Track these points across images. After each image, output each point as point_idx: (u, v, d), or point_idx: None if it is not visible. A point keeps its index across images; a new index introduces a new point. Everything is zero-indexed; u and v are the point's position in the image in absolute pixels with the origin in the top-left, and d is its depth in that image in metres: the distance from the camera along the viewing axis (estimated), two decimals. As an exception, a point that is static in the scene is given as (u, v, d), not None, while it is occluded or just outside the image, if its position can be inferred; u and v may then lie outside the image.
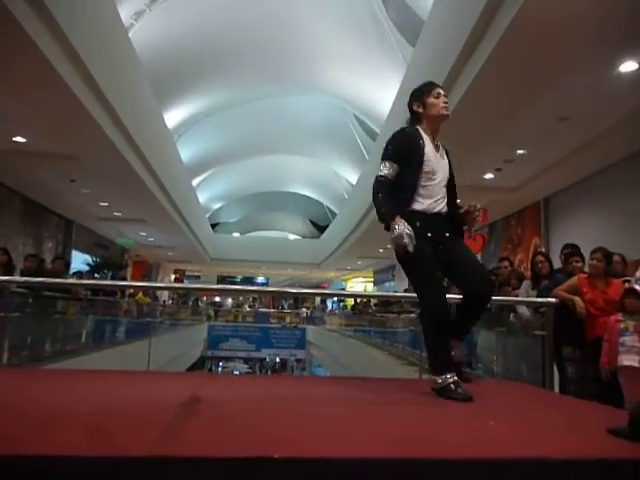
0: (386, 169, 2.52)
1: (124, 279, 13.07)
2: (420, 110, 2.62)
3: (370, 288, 27.97)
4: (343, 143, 22.59)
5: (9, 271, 5.97)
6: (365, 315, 16.11)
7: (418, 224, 2.44)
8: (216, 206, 33.83)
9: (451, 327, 2.50)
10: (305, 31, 15.16)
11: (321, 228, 31.84)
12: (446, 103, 2.61)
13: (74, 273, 9.91)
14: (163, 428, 1.43)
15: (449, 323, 2.47)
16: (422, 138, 2.56)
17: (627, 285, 4.03)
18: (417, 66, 9.43)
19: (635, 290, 3.81)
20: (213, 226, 31.01)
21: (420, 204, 2.50)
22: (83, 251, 15.75)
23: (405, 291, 12.60)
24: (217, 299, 33.72)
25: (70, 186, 11.31)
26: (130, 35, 10.90)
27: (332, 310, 29.07)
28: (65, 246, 14.97)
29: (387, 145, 2.60)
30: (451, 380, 2.30)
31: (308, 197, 33.18)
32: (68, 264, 9.55)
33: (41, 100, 6.94)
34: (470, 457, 1.29)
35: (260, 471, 1.18)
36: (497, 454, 1.34)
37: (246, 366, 27.67)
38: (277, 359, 27.97)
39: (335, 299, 29.65)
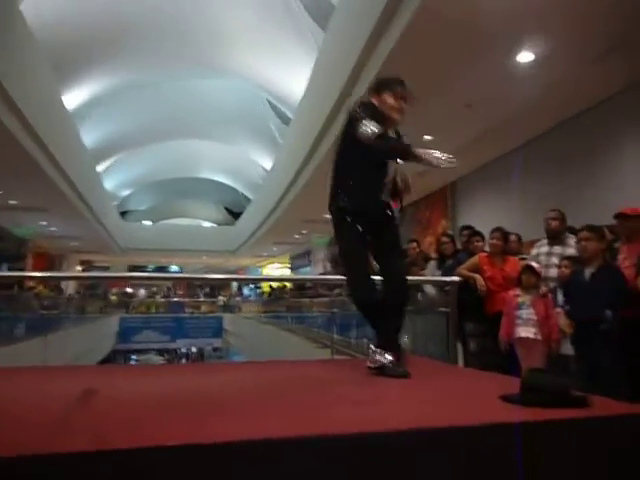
0: (373, 125, 2.35)
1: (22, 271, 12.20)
2: (373, 100, 2.54)
3: (287, 274, 28.04)
4: (257, 128, 22.32)
5: None
6: (281, 301, 16.15)
7: (360, 209, 2.48)
8: (125, 193, 32.33)
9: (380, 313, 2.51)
10: (217, 13, 14.71)
11: (236, 215, 31.40)
12: (402, 108, 2.51)
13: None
14: (53, 424, 1.32)
15: (375, 303, 2.47)
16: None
17: (524, 262, 4.28)
18: (328, 51, 9.45)
19: (531, 267, 4.05)
20: (122, 214, 29.67)
21: (365, 188, 2.49)
22: None
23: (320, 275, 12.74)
24: (129, 290, 32.41)
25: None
26: (22, 7, 10.04)
27: (249, 297, 28.90)
28: (-47, 237, 13.72)
29: (361, 110, 2.44)
30: (386, 360, 2.33)
31: (222, 183, 32.53)
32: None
33: None
34: (365, 431, 1.30)
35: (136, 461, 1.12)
36: (395, 426, 1.35)
37: (161, 358, 26.89)
38: (193, 349, 27.42)
39: (252, 286, 29.47)
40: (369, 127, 2.34)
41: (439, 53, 5.79)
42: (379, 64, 6.28)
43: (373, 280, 2.51)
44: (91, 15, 13.58)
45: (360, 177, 2.48)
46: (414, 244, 6.12)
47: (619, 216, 3.83)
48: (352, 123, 2.45)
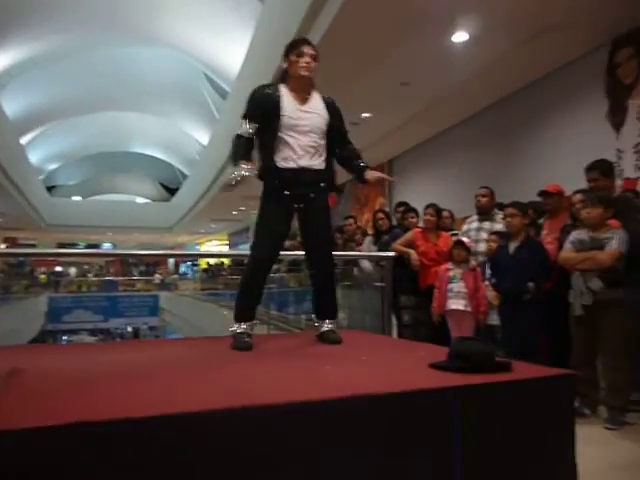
0: (243, 127, 2.55)
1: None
2: (284, 66, 2.60)
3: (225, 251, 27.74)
4: (193, 102, 21.68)
5: None
6: (219, 278, 16.00)
7: (277, 181, 2.51)
8: (52, 167, 30.72)
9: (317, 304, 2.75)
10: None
11: (172, 191, 30.60)
12: (308, 63, 2.52)
13: None
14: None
15: (259, 278, 2.59)
16: (278, 93, 2.53)
17: (455, 238, 4.43)
18: (266, 23, 9.27)
19: (462, 242, 4.21)
20: (49, 189, 28.24)
21: (281, 160, 2.50)
22: None
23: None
24: (59, 268, 31.05)
25: None
26: None
27: (186, 275, 28.42)
28: None
29: (246, 103, 2.61)
30: (240, 330, 2.48)
31: (157, 158, 31.50)
32: None
33: None
34: (299, 400, 1.32)
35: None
36: (329, 394, 1.38)
37: (94, 338, 26.09)
38: (128, 328, 26.78)
39: (189, 263, 28.97)
40: (239, 126, 2.58)
41: (376, 30, 5.80)
42: (317, 39, 6.22)
43: None
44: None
45: None
46: (351, 220, 6.20)
47: (542, 194, 4.04)
48: None
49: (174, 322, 20.67)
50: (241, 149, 2.55)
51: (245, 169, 2.49)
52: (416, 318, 4.45)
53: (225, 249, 27.87)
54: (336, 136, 2.65)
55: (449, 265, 4.20)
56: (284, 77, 2.61)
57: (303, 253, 2.73)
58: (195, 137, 24.99)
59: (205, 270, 21.62)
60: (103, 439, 1.12)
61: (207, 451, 1.19)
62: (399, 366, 1.94)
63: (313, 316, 2.76)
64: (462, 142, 8.68)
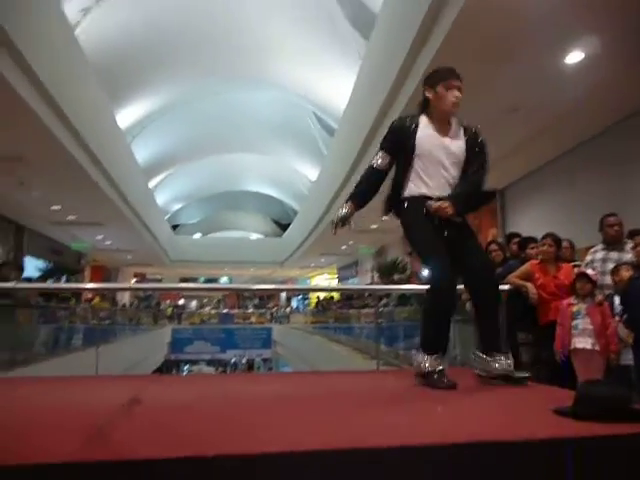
0: (377, 159, 2.55)
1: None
2: (429, 95, 2.52)
3: (335, 285, 28.03)
4: (301, 140, 22.51)
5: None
6: (328, 312, 16.14)
7: (424, 210, 2.42)
8: (176, 207, 33.24)
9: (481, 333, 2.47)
10: (260, 27, 15.00)
11: (283, 226, 31.70)
12: (457, 98, 2.46)
13: (23, 279, 9.55)
14: (90, 432, 1.34)
15: (450, 301, 2.39)
16: (417, 124, 2.50)
17: (578, 269, 4.10)
18: (371, 60, 9.46)
19: (586, 274, 3.88)
20: (174, 228, 30.47)
21: (421, 188, 2.47)
22: (37, 257, 15.22)
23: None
24: (181, 302, 33.16)
25: (19, 189, 10.88)
26: (77, 32, 10.56)
27: (297, 308, 29.02)
28: (17, 252, 14.42)
29: (385, 134, 2.61)
30: (437, 369, 2.27)
31: (269, 195, 32.95)
32: (22, 269, 9.18)
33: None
34: (410, 444, 1.26)
35: (188, 470, 1.11)
36: (440, 440, 1.30)
37: (212, 368, 27.30)
38: (243, 360, 27.74)
39: (300, 297, 29.61)
40: (374, 157, 2.57)
41: (483, 56, 5.68)
42: (421, 71, 6.21)
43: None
44: (137, 38, 14.13)
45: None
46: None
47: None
48: None
49: (285, 354, 21.09)
50: (361, 186, 2.60)
51: (346, 212, 2.56)
52: (536, 357, 4.14)
53: (334, 283, 28.19)
54: (470, 167, 2.53)
55: (572, 299, 3.88)
56: (425, 107, 2.54)
57: (412, 287, 2.64)
58: (304, 173, 25.85)
59: (315, 304, 21.95)
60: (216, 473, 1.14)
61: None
62: (517, 410, 1.80)
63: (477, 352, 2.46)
64: (578, 168, 8.12)
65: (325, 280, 30.60)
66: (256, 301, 33.09)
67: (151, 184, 23.28)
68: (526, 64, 5.82)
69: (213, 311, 30.19)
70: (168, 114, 20.10)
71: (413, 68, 6.65)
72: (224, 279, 33.14)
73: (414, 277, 10.81)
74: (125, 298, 21.53)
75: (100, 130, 10.64)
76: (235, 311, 29.21)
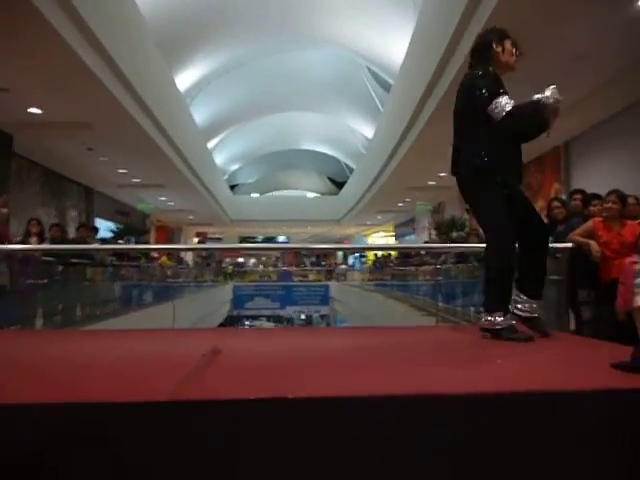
0: (506, 99, 2.39)
1: (147, 243, 13.34)
2: (498, 50, 2.55)
3: (391, 242, 28.02)
4: (357, 97, 22.20)
5: (43, 241, 6.19)
6: (386, 269, 16.24)
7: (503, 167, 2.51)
8: (233, 168, 33.84)
9: (518, 275, 2.58)
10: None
11: (339, 184, 31.72)
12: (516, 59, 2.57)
13: (97, 240, 10.15)
14: (184, 376, 1.53)
15: (512, 262, 2.49)
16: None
17: (643, 226, 4.00)
18: (429, 12, 9.17)
19: (652, 231, 3.79)
20: (232, 187, 31.08)
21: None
22: (106, 218, 16.04)
23: (425, 243, 12.64)
24: (240, 260, 34.14)
25: (88, 154, 11.43)
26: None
27: (354, 266, 29.30)
28: (88, 214, 15.25)
29: (484, 84, 2.45)
30: (508, 323, 2.37)
31: (324, 154, 32.92)
32: (97, 230, 9.76)
33: (51, 69, 6.97)
34: (476, 392, 1.37)
35: (274, 411, 1.27)
36: (504, 388, 1.40)
37: (272, 324, 28.23)
38: (302, 316, 28.48)
39: (357, 255, 29.81)
40: (501, 105, 2.37)
41: (547, 2, 5.43)
42: (482, 22, 6.01)
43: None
44: (192, 1, 14.19)
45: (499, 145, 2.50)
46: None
47: None
48: (474, 94, 2.46)
49: (343, 311, 21.49)
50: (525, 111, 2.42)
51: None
52: (597, 315, 4.12)
53: (391, 240, 28.17)
54: None
55: (635, 257, 3.81)
56: (487, 60, 2.55)
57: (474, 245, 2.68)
58: (360, 131, 25.58)
59: (373, 262, 22.08)
60: (297, 414, 1.29)
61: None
62: (577, 363, 1.87)
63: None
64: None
65: (382, 238, 30.61)
66: (313, 259, 33.61)
67: (210, 145, 23.75)
68: (596, 7, 5.53)
69: (272, 268, 30.97)
70: (224, 75, 20.27)
71: (473, 18, 6.43)
72: (282, 237, 33.74)
73: (473, 234, 10.71)
74: (189, 257, 22.38)
75: (162, 95, 10.95)
76: (293, 269, 29.83)
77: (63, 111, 8.72)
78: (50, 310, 6.39)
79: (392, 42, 15.32)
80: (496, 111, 2.38)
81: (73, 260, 6.75)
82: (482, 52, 2.58)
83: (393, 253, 16.32)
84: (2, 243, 5.53)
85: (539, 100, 2.36)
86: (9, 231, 6.32)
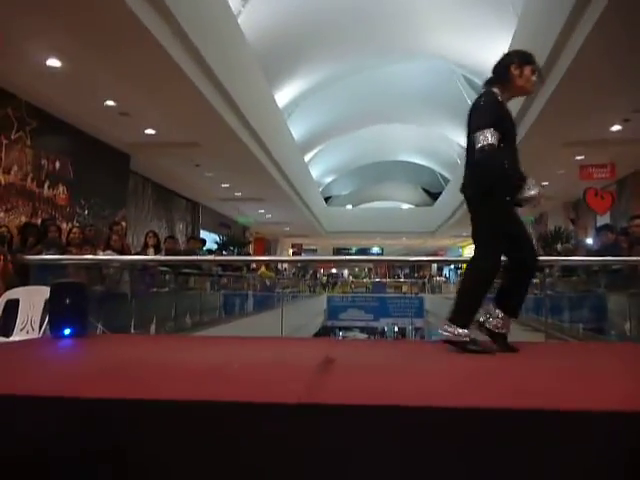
0: (493, 137, 2.41)
1: (248, 255, 13.94)
2: (516, 73, 2.56)
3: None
4: (452, 106, 21.79)
5: (158, 252, 6.71)
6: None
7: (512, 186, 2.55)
8: (328, 180, 34.42)
9: (500, 292, 2.66)
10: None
11: (434, 195, 31.23)
12: (534, 84, 2.62)
13: (207, 251, 10.77)
14: (307, 382, 1.66)
15: (494, 279, 2.57)
16: (503, 100, 2.58)
17: None
18: (530, 15, 8.90)
19: None
20: (326, 200, 31.61)
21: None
22: (210, 230, 16.96)
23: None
24: (334, 271, 34.55)
25: (195, 171, 12.21)
26: (239, 21, 11.37)
27: (449, 278, 28.66)
28: (194, 226, 16.22)
29: (483, 112, 2.53)
30: (472, 336, 2.44)
31: (419, 164, 32.61)
32: (204, 242, 10.39)
33: (168, 95, 7.59)
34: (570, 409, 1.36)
35: (391, 417, 1.36)
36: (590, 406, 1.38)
37: (365, 335, 28.19)
38: (395, 328, 28.21)
39: (452, 266, 29.15)
40: (485, 137, 2.41)
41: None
42: (592, 21, 5.75)
43: None
44: (291, 21, 14.74)
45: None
46: (638, 220, 5.57)
47: None
48: (471, 118, 2.57)
49: (437, 324, 21.04)
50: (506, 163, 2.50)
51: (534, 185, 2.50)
52: None
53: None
54: None
55: None
56: (501, 81, 2.59)
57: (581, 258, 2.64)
58: (455, 140, 25.10)
59: (469, 273, 21.49)
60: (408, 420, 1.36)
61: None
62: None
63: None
64: None
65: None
66: (407, 270, 33.26)
67: (306, 158, 24.38)
68: None
69: (365, 280, 31.05)
70: (321, 91, 20.79)
71: (580, 20, 6.18)
72: (375, 249, 33.75)
73: (579, 246, 10.16)
74: (285, 267, 23.05)
75: (263, 113, 11.47)
76: (387, 280, 29.70)
77: (175, 132, 9.42)
78: (163, 316, 6.88)
79: (489, 48, 14.95)
80: (476, 141, 2.45)
81: (185, 270, 7.24)
82: (500, 71, 2.61)
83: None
84: (125, 254, 6.08)
85: (530, 196, 2.49)
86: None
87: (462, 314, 2.50)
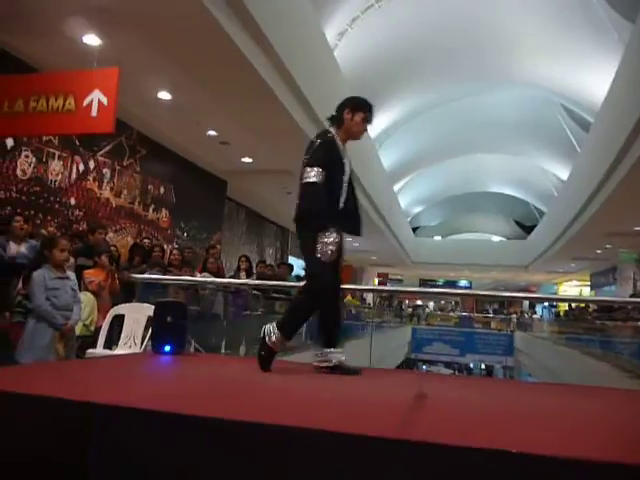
0: (318, 175, 2.58)
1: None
2: (348, 117, 2.75)
3: (586, 292, 25.50)
4: (549, 136, 21.06)
5: (250, 276, 6.96)
6: (581, 322, 14.82)
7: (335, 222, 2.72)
8: (417, 210, 34.12)
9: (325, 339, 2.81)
10: (504, 23, 14.60)
11: (527, 228, 30.01)
12: (363, 132, 2.83)
13: (295, 277, 10.97)
14: (402, 416, 1.66)
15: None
16: (337, 140, 2.74)
17: None
18: (637, 44, 8.48)
19: None
20: (414, 230, 31.31)
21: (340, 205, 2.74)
22: (297, 257, 17.30)
23: (631, 296, 11.35)
24: (419, 302, 33.90)
25: (286, 197, 12.57)
26: (335, 54, 11.74)
27: (541, 316, 27.21)
28: (283, 252, 16.63)
29: (314, 150, 2.67)
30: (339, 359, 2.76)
31: (512, 196, 31.52)
32: (292, 268, 10.63)
33: (265, 125, 7.96)
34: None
35: (495, 461, 1.33)
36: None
37: (449, 371, 27.27)
38: (482, 365, 27.06)
39: (545, 304, 27.67)
40: (310, 175, 2.58)
41: None
42: None
43: None
44: (383, 54, 15.04)
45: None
46: None
47: None
48: (305, 157, 2.68)
49: (528, 364, 19.98)
50: (324, 204, 2.61)
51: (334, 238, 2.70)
52: None
53: (586, 290, 25.64)
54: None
55: None
56: (338, 122, 2.76)
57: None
58: (552, 172, 24.10)
59: (565, 313, 20.31)
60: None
61: None
62: None
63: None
64: None
65: (574, 287, 28.03)
66: (496, 305, 31.97)
67: (395, 188, 24.37)
68: None
69: (452, 313, 30.17)
70: (412, 120, 20.86)
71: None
72: (463, 282, 32.80)
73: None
74: (369, 297, 22.94)
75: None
76: (475, 315, 28.69)
77: (269, 160, 9.81)
78: (253, 338, 7.07)
79: (590, 77, 14.37)
80: (303, 176, 2.60)
81: (274, 295, 7.43)
82: (338, 111, 2.79)
83: (591, 305, 14.86)
84: (220, 276, 6.36)
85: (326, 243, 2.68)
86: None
87: (326, 337, 2.82)
